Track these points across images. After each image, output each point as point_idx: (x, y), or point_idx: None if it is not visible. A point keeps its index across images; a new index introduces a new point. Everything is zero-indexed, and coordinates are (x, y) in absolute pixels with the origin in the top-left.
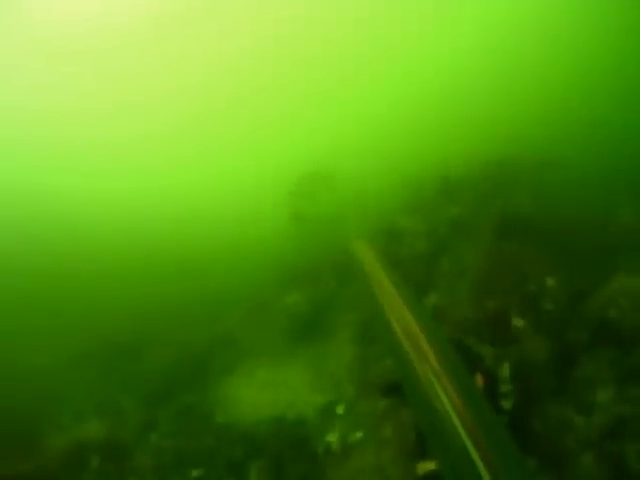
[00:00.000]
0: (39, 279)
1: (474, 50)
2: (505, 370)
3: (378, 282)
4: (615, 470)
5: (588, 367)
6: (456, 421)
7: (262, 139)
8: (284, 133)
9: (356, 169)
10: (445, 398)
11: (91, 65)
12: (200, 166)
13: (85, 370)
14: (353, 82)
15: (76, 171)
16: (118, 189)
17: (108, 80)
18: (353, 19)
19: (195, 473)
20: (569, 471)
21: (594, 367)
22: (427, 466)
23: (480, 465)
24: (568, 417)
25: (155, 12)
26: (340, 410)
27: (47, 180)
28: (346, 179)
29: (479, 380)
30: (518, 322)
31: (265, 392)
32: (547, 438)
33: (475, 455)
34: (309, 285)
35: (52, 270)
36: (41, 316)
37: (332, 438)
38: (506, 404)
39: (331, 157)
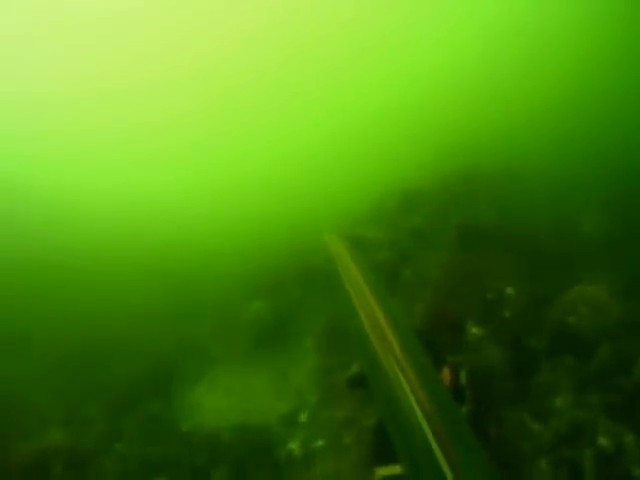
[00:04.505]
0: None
1: (438, 66)
2: (462, 377)
3: (347, 272)
4: (570, 475)
5: (546, 374)
6: (421, 418)
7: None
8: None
9: (318, 179)
10: (411, 395)
11: (81, 48)
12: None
13: (52, 377)
14: (320, 89)
15: (62, 161)
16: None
17: (101, 67)
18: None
19: None
20: (524, 476)
21: (552, 374)
22: (385, 471)
23: (445, 466)
24: (525, 423)
25: None
26: (303, 418)
27: (29, 169)
28: (309, 187)
29: (446, 374)
30: (476, 330)
31: (229, 400)
32: (503, 444)
33: (440, 455)
34: (274, 292)
35: (24, 272)
36: (9, 320)
37: (294, 446)
38: (462, 410)
39: (291, 172)
